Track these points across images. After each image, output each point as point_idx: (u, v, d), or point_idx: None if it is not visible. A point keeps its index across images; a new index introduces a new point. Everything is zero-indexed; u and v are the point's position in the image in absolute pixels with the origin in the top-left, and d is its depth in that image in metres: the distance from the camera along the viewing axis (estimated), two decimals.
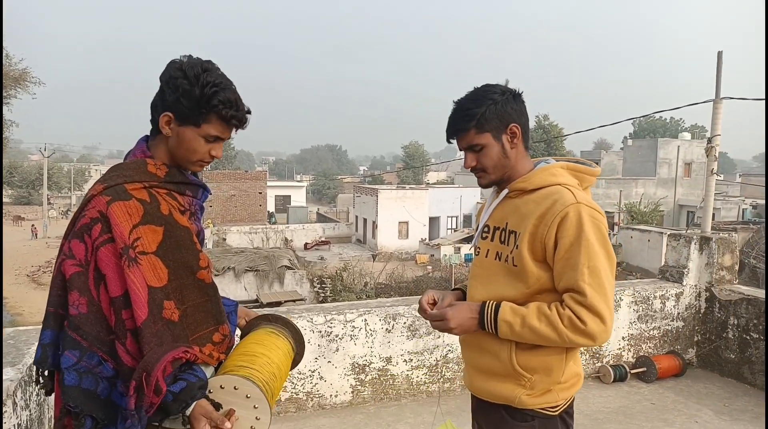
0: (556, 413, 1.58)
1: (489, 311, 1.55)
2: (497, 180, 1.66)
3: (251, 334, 1.63)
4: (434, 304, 1.69)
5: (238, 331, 1.69)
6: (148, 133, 1.55)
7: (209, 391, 1.37)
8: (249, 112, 1.53)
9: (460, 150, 1.66)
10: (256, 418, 1.38)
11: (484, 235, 1.70)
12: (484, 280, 1.65)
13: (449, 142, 1.69)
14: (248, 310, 1.78)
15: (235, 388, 1.38)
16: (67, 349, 1.32)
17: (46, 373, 1.41)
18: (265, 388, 1.40)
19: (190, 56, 1.47)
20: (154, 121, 1.49)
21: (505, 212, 1.64)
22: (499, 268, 1.61)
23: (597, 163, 1.76)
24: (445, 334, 4.07)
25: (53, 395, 1.43)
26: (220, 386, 1.38)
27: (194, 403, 1.32)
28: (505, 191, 1.65)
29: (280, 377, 1.54)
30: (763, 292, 4.51)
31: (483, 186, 1.69)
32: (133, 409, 1.28)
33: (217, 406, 1.34)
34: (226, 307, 1.62)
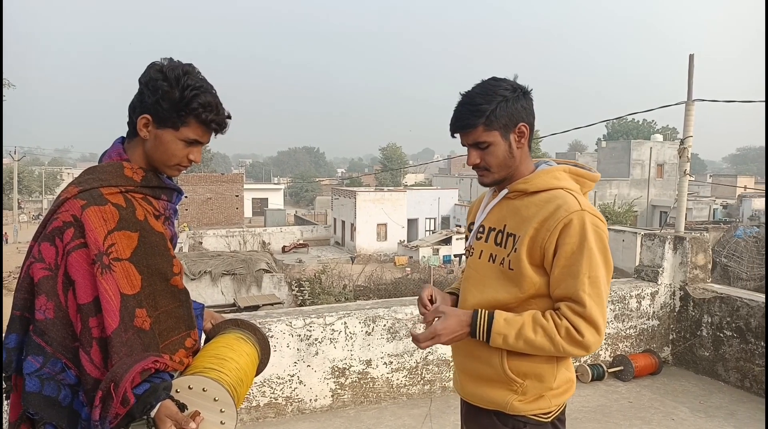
0: (548, 420, 1.55)
1: (482, 322, 1.51)
2: (500, 179, 1.60)
3: (220, 337, 1.61)
4: (431, 301, 1.63)
5: (203, 335, 1.67)
6: (124, 135, 1.51)
7: (176, 391, 1.35)
8: (229, 116, 1.51)
9: (464, 145, 1.59)
10: (222, 422, 1.36)
11: (479, 235, 1.65)
12: (477, 282, 1.61)
13: (453, 136, 1.59)
14: (214, 314, 1.77)
15: (204, 390, 1.36)
16: (30, 354, 1.29)
17: (9, 377, 1.36)
18: (232, 393, 1.39)
19: (170, 59, 1.45)
20: (132, 123, 1.46)
21: (504, 214, 1.59)
22: (493, 271, 1.57)
23: None
24: None
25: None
26: (189, 386, 1.36)
27: (159, 404, 1.30)
28: (504, 191, 1.60)
29: (246, 384, 1.52)
30: (736, 290, 4.62)
31: (484, 184, 1.63)
32: (98, 419, 1.25)
33: (182, 407, 1.33)
34: (193, 311, 1.60)
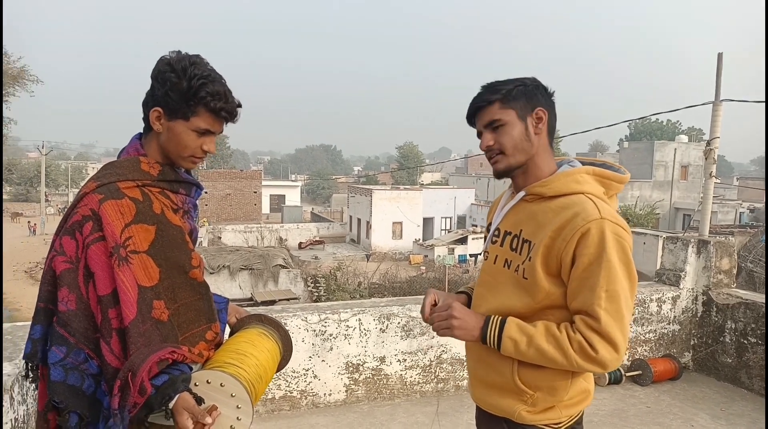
0: None
1: (493, 326, 1.45)
2: (515, 165, 1.50)
3: (242, 333, 1.61)
4: (435, 305, 1.59)
5: (227, 329, 1.68)
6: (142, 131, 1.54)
7: (194, 384, 1.36)
8: (239, 105, 1.52)
9: (479, 130, 1.52)
10: (237, 418, 1.36)
11: (494, 239, 1.59)
12: (491, 288, 1.55)
13: (470, 122, 1.55)
14: (238, 308, 1.77)
15: (221, 385, 1.36)
16: (54, 344, 1.32)
17: (35, 367, 1.40)
18: (250, 389, 1.38)
19: (178, 51, 1.47)
20: (146, 118, 1.48)
21: (520, 218, 1.52)
22: (507, 278, 1.51)
23: None
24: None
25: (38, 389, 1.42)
26: (207, 381, 1.37)
27: (177, 396, 1.31)
28: (522, 193, 1.52)
29: (265, 380, 1.52)
30: (762, 296, 4.49)
31: (498, 172, 1.52)
32: (117, 408, 1.27)
33: (200, 401, 1.33)
34: (216, 305, 1.61)
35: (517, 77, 1.52)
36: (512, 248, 1.51)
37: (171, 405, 1.31)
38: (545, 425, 1.49)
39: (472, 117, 1.54)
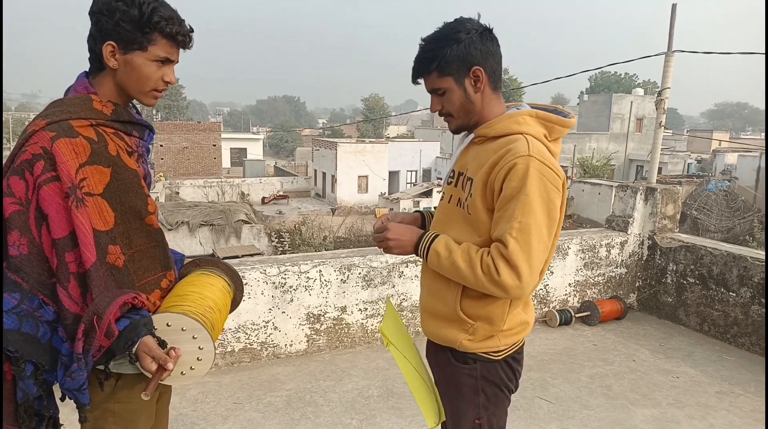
0: (499, 357, 1.61)
1: (427, 238, 1.56)
2: (464, 125, 1.59)
3: (183, 279, 1.62)
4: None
5: None
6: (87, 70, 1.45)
7: (154, 328, 1.36)
8: (191, 29, 1.45)
9: (427, 91, 1.59)
10: (199, 348, 1.39)
11: (450, 180, 1.67)
12: (444, 225, 1.63)
13: (415, 82, 1.60)
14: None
15: (168, 325, 1.37)
16: (6, 291, 1.26)
17: None
18: (199, 318, 1.40)
19: None
20: (95, 57, 1.39)
21: (467, 158, 1.60)
22: (459, 215, 1.58)
23: None
24: (399, 283, 4.14)
25: None
26: (167, 324, 1.38)
27: (139, 340, 1.30)
28: (471, 136, 1.59)
29: (218, 309, 1.54)
30: (702, 239, 4.76)
31: (452, 131, 1.63)
32: (81, 352, 1.26)
33: (163, 344, 1.34)
34: (174, 255, 1.60)
35: (453, 27, 1.50)
36: (462, 188, 1.59)
37: (134, 349, 1.30)
38: (484, 353, 1.60)
39: (413, 79, 1.60)
